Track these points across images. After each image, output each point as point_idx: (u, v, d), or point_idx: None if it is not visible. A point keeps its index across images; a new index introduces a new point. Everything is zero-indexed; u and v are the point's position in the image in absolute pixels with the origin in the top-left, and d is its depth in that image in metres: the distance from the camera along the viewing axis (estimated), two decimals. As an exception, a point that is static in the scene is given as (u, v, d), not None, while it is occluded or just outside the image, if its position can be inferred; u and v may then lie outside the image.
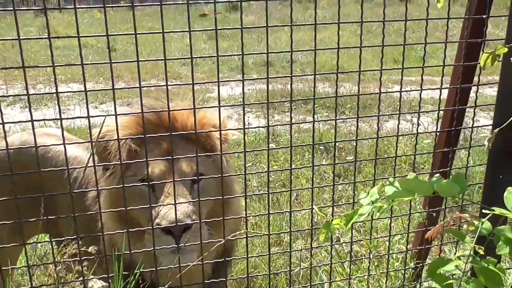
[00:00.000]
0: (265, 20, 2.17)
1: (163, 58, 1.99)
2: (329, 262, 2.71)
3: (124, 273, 2.53)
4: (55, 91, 2.01)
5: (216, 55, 2.02)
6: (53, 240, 2.89)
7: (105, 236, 2.67)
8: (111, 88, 1.99)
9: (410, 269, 3.25)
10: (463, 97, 2.89)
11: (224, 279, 2.88)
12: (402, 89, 2.65)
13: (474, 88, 2.89)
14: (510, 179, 2.48)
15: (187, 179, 2.56)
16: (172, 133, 2.36)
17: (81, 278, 2.49)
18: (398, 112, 2.59)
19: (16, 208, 2.20)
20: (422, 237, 3.21)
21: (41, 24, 21.24)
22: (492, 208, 1.56)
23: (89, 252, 2.57)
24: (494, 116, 2.48)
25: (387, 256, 2.90)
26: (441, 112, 3.14)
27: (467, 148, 2.97)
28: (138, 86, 2.02)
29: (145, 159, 2.34)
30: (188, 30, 1.99)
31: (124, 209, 2.35)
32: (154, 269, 2.47)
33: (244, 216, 2.58)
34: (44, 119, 2.12)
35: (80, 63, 1.98)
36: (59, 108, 1.98)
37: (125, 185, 2.39)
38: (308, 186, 6.12)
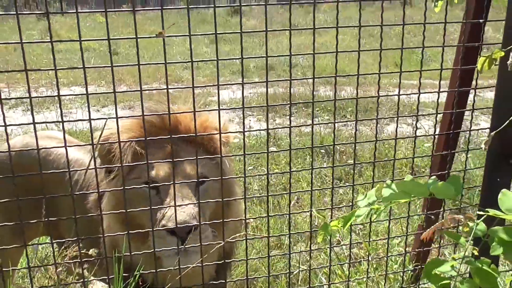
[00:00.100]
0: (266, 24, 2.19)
1: (164, 62, 2.01)
2: (328, 265, 2.73)
3: (124, 275, 2.55)
4: (56, 94, 2.02)
5: (216, 58, 2.05)
6: (54, 241, 2.91)
7: (107, 238, 2.69)
8: (112, 91, 2.01)
9: (409, 272, 3.27)
10: (461, 101, 2.91)
11: (224, 281, 2.90)
12: (404, 93, 2.68)
13: (471, 91, 2.90)
14: (507, 182, 2.50)
15: (189, 181, 2.58)
16: (173, 135, 2.39)
17: (81, 280, 2.51)
18: (396, 116, 2.61)
19: (18, 209, 2.22)
20: (421, 240, 3.23)
21: (44, 28, 21.30)
22: (486, 209, 1.58)
23: (90, 254, 2.59)
24: (491, 119, 2.49)
25: (386, 258, 2.91)
26: (442, 115, 3.17)
27: (467, 151, 2.98)
28: (139, 89, 2.04)
29: (149, 162, 2.37)
30: (188, 34, 2.02)
31: (127, 211, 2.37)
32: (155, 270, 2.49)
33: (244, 218, 2.60)
34: (46, 122, 2.14)
35: (81, 66, 1.99)
36: (61, 110, 2.00)
37: (129, 187, 2.42)
38: (309, 189, 6.12)
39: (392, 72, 2.50)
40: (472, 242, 1.68)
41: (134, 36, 1.99)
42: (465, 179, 5.97)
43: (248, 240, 2.51)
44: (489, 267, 1.53)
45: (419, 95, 2.60)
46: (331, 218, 2.34)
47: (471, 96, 3.03)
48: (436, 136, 3.28)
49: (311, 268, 2.81)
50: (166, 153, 2.67)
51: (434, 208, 3.17)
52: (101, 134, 2.51)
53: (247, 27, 20.31)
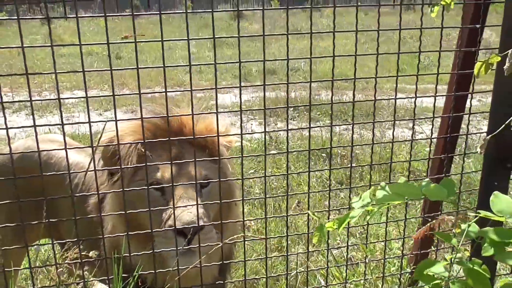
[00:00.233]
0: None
1: (162, 65, 2.04)
2: (326, 266, 2.76)
3: (125, 275, 2.56)
4: (58, 99, 2.05)
5: (214, 62, 2.08)
6: (55, 242, 2.93)
7: (108, 241, 2.71)
8: (111, 94, 2.04)
9: (407, 274, 3.28)
10: (458, 105, 2.93)
11: (222, 281, 2.92)
12: (403, 97, 2.71)
13: (474, 96, 2.92)
14: (504, 185, 2.53)
15: (188, 183, 2.60)
16: (174, 138, 2.42)
17: (81, 281, 2.53)
18: (393, 119, 2.63)
19: (19, 210, 2.25)
20: (419, 243, 3.25)
21: (47, 32, 21.08)
22: (478, 211, 1.60)
23: (90, 256, 2.61)
24: (488, 123, 2.51)
25: (383, 261, 2.93)
26: (441, 120, 3.19)
27: (467, 155, 3.00)
28: (138, 92, 2.07)
29: (154, 163, 2.40)
30: (187, 38, 2.05)
31: (128, 212, 2.39)
32: (158, 271, 2.50)
33: (242, 220, 2.62)
34: (46, 125, 2.17)
35: (81, 70, 2.02)
36: (61, 113, 2.03)
37: (134, 189, 2.44)
38: (308, 192, 6.14)
39: (389, 76, 2.52)
40: (464, 243, 1.70)
41: (133, 41, 2.02)
42: (466, 184, 6.02)
43: (248, 243, 2.54)
44: (481, 268, 1.55)
45: (416, 99, 2.62)
46: (329, 220, 2.36)
47: (473, 100, 3.05)
48: (435, 140, 3.30)
49: (309, 270, 2.83)
50: (171, 155, 2.70)
51: (432, 212, 3.19)
52: (101, 136, 2.53)
53: (249, 31, 20.37)
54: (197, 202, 2.43)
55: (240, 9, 2.11)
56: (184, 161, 2.56)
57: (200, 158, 2.52)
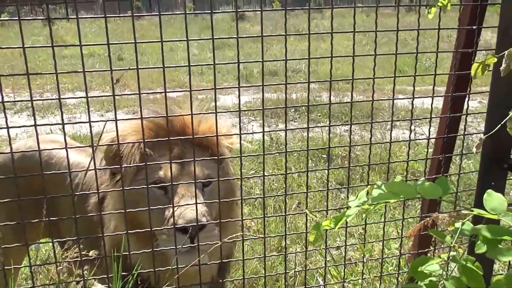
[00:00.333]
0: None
1: (162, 66, 2.07)
2: (324, 266, 2.78)
3: (124, 273, 2.58)
4: (58, 99, 2.07)
5: (213, 63, 2.11)
6: (55, 240, 2.95)
7: (108, 240, 2.73)
8: (111, 94, 2.06)
9: (405, 274, 3.30)
10: (455, 106, 2.94)
11: (221, 280, 2.94)
12: (402, 98, 2.73)
13: (472, 97, 2.94)
14: (501, 185, 2.55)
15: (189, 182, 2.61)
16: (173, 138, 2.44)
17: (81, 281, 2.56)
18: (391, 120, 2.65)
19: (19, 209, 2.27)
20: (417, 241, 3.27)
21: (49, 33, 21.41)
22: (471, 209, 1.62)
23: (90, 256, 2.63)
24: (485, 124, 2.53)
25: (381, 260, 2.96)
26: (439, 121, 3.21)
27: (466, 155, 3.03)
28: (138, 92, 2.09)
29: (156, 163, 2.41)
30: (186, 39, 2.07)
31: (131, 212, 2.41)
32: (155, 269, 2.52)
33: (241, 219, 2.64)
34: (47, 124, 2.19)
35: (82, 70, 2.05)
36: (61, 113, 2.06)
37: (135, 187, 2.47)
38: (312, 193, 6.18)
39: (387, 77, 2.54)
40: (463, 243, 1.72)
41: (133, 41, 2.05)
42: (466, 185, 6.03)
43: (248, 244, 2.56)
44: (473, 265, 1.57)
45: (413, 99, 2.64)
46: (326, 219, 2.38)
47: (474, 102, 3.07)
48: (434, 141, 3.33)
49: (307, 269, 2.85)
50: (174, 155, 2.72)
51: (430, 212, 3.21)
52: (101, 136, 2.55)
53: (251, 33, 20.35)
54: (196, 200, 2.44)
55: (239, 10, 2.13)
56: (184, 160, 2.58)
57: (202, 158, 2.55)
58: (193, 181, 2.54)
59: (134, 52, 2.02)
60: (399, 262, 3.04)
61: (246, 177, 2.72)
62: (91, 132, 2.14)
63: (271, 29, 20.54)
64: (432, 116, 2.77)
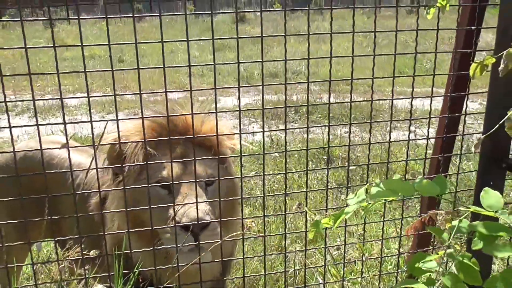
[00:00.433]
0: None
1: (162, 66, 2.08)
2: (323, 264, 2.80)
3: (125, 271, 2.60)
4: (60, 99, 2.09)
5: (213, 63, 2.13)
6: (57, 238, 2.96)
7: (110, 241, 2.75)
8: (112, 94, 2.08)
9: (403, 272, 3.32)
10: (454, 106, 2.96)
11: (222, 278, 2.96)
12: (400, 98, 2.75)
13: (473, 99, 2.96)
14: (499, 184, 2.56)
15: (190, 181, 2.63)
16: (175, 137, 2.47)
17: (83, 280, 2.57)
18: (390, 119, 2.67)
19: (21, 208, 2.29)
20: (416, 241, 3.29)
21: (50, 36, 21.45)
22: (468, 206, 1.64)
23: (91, 256, 2.64)
24: (484, 124, 2.55)
25: (380, 259, 2.98)
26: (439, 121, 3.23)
27: (466, 157, 3.05)
28: (139, 92, 2.11)
29: (156, 162, 2.43)
30: (186, 39, 2.09)
31: (135, 212, 2.43)
32: (156, 268, 2.53)
33: (241, 218, 2.66)
34: (49, 123, 2.21)
35: (83, 70, 2.07)
36: (63, 112, 2.08)
37: (136, 186, 2.48)
38: (313, 194, 6.21)
39: (386, 77, 2.56)
40: (460, 241, 1.74)
41: (134, 42, 2.06)
42: (467, 186, 6.04)
43: (248, 244, 2.57)
44: (470, 261, 1.59)
45: (412, 99, 2.66)
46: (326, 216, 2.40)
47: (475, 104, 3.08)
48: (433, 141, 3.34)
49: (306, 267, 2.87)
50: (177, 155, 2.74)
51: (430, 210, 3.22)
52: (102, 135, 2.57)
53: (251, 34, 20.38)
54: (196, 198, 2.46)
55: (239, 11, 2.15)
56: (186, 159, 2.60)
57: (206, 159, 2.56)
58: (191, 181, 2.56)
59: (134, 54, 2.05)
60: (398, 261, 3.06)
61: (246, 176, 2.74)
62: (92, 131, 2.16)
63: (272, 30, 20.54)
64: (429, 115, 2.79)
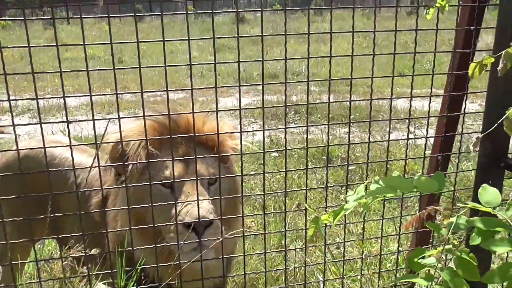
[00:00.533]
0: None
1: (163, 65, 2.10)
2: (323, 262, 2.82)
3: (128, 269, 2.61)
4: (62, 98, 2.11)
5: (214, 62, 2.15)
6: (60, 236, 2.98)
7: (112, 240, 2.76)
8: (114, 93, 2.10)
9: (403, 270, 3.34)
10: (453, 106, 2.97)
11: (223, 277, 2.97)
12: (399, 97, 2.76)
13: (473, 100, 2.97)
14: (499, 184, 2.58)
15: (190, 179, 2.64)
16: (173, 135, 2.48)
17: (85, 278, 2.59)
18: (389, 119, 2.69)
19: (24, 206, 2.30)
20: (415, 239, 3.31)
21: (50, 37, 21.57)
22: (466, 202, 1.66)
23: (93, 254, 2.65)
24: (483, 123, 2.56)
25: (379, 257, 3.00)
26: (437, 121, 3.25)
27: (466, 157, 3.07)
28: (140, 91, 2.13)
29: (158, 160, 2.45)
30: (187, 38, 2.11)
31: (138, 211, 2.43)
32: (157, 265, 2.55)
33: (241, 215, 2.68)
34: (52, 122, 2.23)
35: (85, 69, 2.08)
36: (66, 111, 2.09)
37: (138, 184, 2.50)
38: (312, 195, 6.23)
39: (385, 76, 2.58)
40: (459, 239, 1.76)
41: (135, 41, 2.08)
42: (466, 186, 6.06)
43: (249, 242, 2.59)
44: (468, 256, 1.61)
45: (411, 99, 2.67)
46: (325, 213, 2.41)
47: (474, 105, 3.10)
48: (432, 141, 3.36)
49: (306, 265, 2.89)
50: (179, 154, 2.75)
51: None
52: (104, 134, 2.58)
53: (251, 34, 20.30)
54: (197, 196, 2.47)
55: (239, 10, 2.17)
56: (187, 157, 2.62)
57: (208, 159, 2.58)
58: (199, 179, 2.57)
59: (134, 55, 2.07)
60: (397, 259, 3.08)
61: (247, 175, 2.76)
62: (94, 130, 2.17)
63: (271, 31, 20.55)
64: (428, 115, 2.80)
